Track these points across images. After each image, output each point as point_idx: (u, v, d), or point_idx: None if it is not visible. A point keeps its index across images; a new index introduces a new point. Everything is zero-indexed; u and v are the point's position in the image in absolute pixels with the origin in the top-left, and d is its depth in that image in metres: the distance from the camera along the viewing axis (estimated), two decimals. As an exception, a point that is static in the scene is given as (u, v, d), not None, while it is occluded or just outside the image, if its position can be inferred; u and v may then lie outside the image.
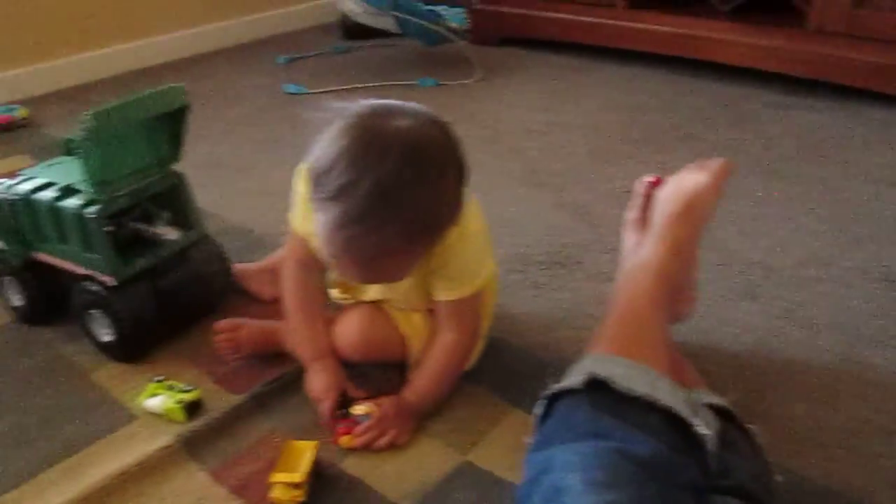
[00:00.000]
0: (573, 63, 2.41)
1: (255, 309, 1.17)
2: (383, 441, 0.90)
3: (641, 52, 2.28)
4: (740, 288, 1.20)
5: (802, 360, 1.04)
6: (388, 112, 0.78)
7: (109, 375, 1.06)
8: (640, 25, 2.24)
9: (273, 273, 1.19)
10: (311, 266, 0.98)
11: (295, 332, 1.01)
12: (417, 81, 2.23)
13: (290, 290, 1.01)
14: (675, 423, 0.65)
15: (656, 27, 2.21)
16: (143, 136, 1.06)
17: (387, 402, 0.93)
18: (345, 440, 0.90)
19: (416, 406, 0.94)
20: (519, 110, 2.05)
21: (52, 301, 1.15)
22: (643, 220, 0.93)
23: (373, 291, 1.00)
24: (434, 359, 0.95)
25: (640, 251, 0.88)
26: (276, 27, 2.92)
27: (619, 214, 1.47)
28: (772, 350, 1.06)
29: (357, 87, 2.19)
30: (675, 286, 0.86)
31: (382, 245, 0.76)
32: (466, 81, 2.25)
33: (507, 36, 2.58)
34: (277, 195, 1.62)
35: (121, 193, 1.04)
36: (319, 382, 0.96)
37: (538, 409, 0.72)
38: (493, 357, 1.05)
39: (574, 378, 0.69)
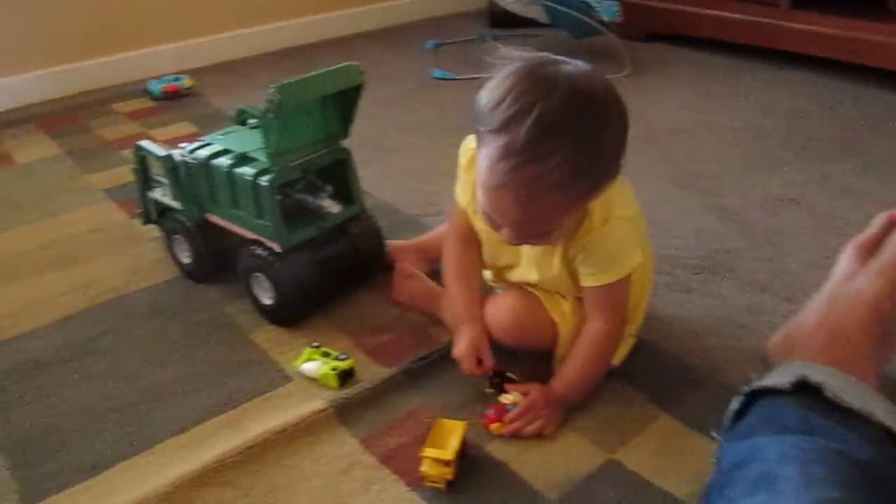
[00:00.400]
0: (725, 62, 2.32)
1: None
2: (531, 429, 0.90)
3: (801, 55, 2.16)
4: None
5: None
6: (556, 60, 0.81)
7: (267, 337, 1.12)
8: (803, 26, 2.13)
9: (424, 251, 1.22)
10: (472, 239, 1.03)
11: (451, 300, 1.04)
12: (564, 73, 2.21)
13: (450, 261, 1.05)
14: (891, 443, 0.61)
15: (822, 29, 2.09)
16: (318, 111, 1.10)
17: (535, 391, 0.93)
18: (495, 427, 0.91)
19: (564, 396, 0.94)
20: (668, 108, 1.99)
21: (217, 261, 1.22)
22: (869, 251, 0.88)
23: (523, 270, 1.00)
24: (581, 348, 0.95)
25: (855, 280, 0.83)
26: (424, 12, 2.97)
27: (772, 223, 1.42)
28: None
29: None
30: (884, 327, 0.80)
31: (543, 177, 0.77)
32: (615, 76, 2.20)
33: (657, 31, 2.51)
34: (422, 177, 1.66)
35: (292, 165, 1.09)
36: (460, 342, 0.99)
37: (734, 405, 0.70)
38: (641, 358, 1.03)
39: (781, 378, 0.66)
